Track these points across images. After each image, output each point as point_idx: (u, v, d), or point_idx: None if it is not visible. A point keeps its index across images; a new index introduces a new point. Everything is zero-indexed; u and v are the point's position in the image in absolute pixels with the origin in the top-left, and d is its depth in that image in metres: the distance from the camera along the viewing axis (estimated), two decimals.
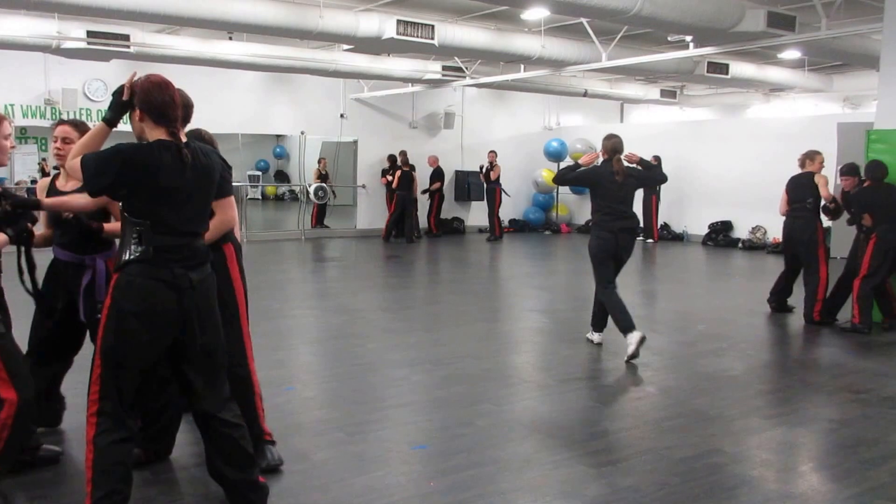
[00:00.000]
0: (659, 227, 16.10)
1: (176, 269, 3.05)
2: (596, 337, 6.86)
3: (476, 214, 17.68)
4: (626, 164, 6.62)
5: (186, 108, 3.55)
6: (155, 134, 3.05)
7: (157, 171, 2.98)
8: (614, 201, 6.51)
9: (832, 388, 5.69)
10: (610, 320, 6.52)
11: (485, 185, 16.56)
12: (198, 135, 3.96)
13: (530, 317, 8.37)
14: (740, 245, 14.99)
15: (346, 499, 3.63)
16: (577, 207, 18.63)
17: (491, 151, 16.41)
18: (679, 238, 16.17)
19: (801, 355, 6.62)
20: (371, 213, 16.76)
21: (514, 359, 6.68)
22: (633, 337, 6.22)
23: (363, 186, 16.69)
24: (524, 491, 3.75)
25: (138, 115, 3.07)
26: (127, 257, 3.04)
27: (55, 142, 4.07)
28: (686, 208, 16.20)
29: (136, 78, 3.14)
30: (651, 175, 7.03)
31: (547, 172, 17.84)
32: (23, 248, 3.68)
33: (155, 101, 3.05)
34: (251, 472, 3.32)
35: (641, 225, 16.17)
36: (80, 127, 4.02)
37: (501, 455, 4.19)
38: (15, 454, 3.37)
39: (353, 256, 13.73)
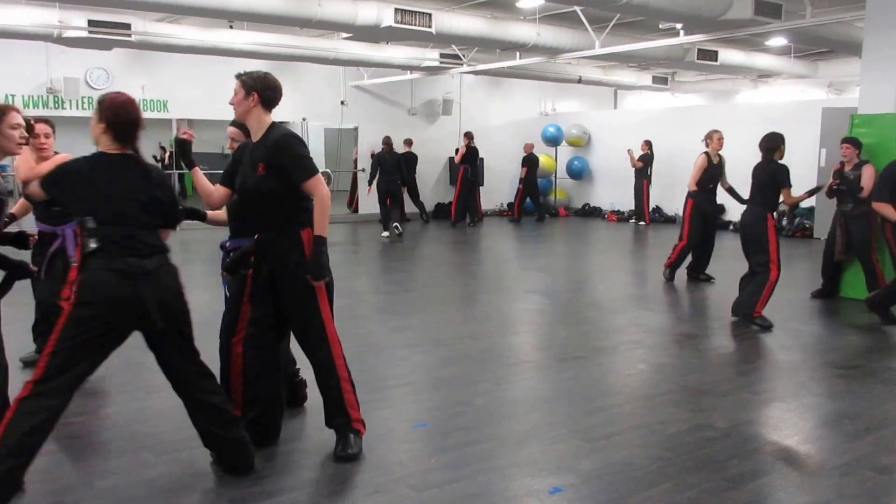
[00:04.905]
0: (651, 210, 16.27)
1: (129, 259, 3.27)
2: (385, 234, 12.81)
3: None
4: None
5: (274, 91, 3.86)
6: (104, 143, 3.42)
7: (92, 180, 3.34)
8: (388, 170, 12.77)
9: (818, 365, 5.84)
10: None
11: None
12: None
13: (529, 298, 8.51)
14: (731, 227, 15.12)
15: (347, 476, 3.73)
16: (574, 191, 18.74)
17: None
18: (671, 220, 16.30)
19: (788, 333, 6.75)
20: (371, 198, 16.82)
21: (512, 339, 6.79)
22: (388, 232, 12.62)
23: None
24: (521, 466, 3.85)
25: (102, 128, 3.39)
26: (84, 251, 3.29)
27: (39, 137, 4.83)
28: (678, 191, 16.24)
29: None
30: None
31: (544, 157, 17.92)
32: None
33: (118, 118, 3.38)
34: (235, 430, 3.59)
35: (633, 208, 16.40)
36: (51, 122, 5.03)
37: (499, 432, 4.30)
38: None
39: (355, 241, 13.84)
